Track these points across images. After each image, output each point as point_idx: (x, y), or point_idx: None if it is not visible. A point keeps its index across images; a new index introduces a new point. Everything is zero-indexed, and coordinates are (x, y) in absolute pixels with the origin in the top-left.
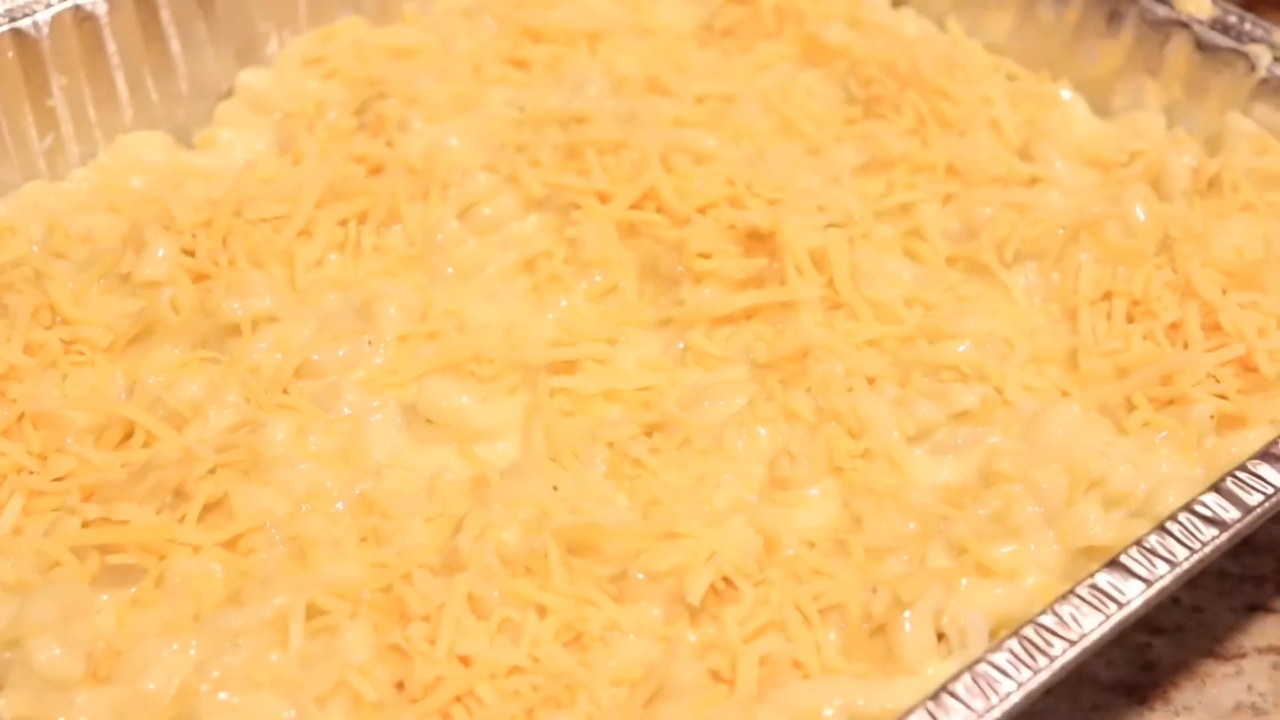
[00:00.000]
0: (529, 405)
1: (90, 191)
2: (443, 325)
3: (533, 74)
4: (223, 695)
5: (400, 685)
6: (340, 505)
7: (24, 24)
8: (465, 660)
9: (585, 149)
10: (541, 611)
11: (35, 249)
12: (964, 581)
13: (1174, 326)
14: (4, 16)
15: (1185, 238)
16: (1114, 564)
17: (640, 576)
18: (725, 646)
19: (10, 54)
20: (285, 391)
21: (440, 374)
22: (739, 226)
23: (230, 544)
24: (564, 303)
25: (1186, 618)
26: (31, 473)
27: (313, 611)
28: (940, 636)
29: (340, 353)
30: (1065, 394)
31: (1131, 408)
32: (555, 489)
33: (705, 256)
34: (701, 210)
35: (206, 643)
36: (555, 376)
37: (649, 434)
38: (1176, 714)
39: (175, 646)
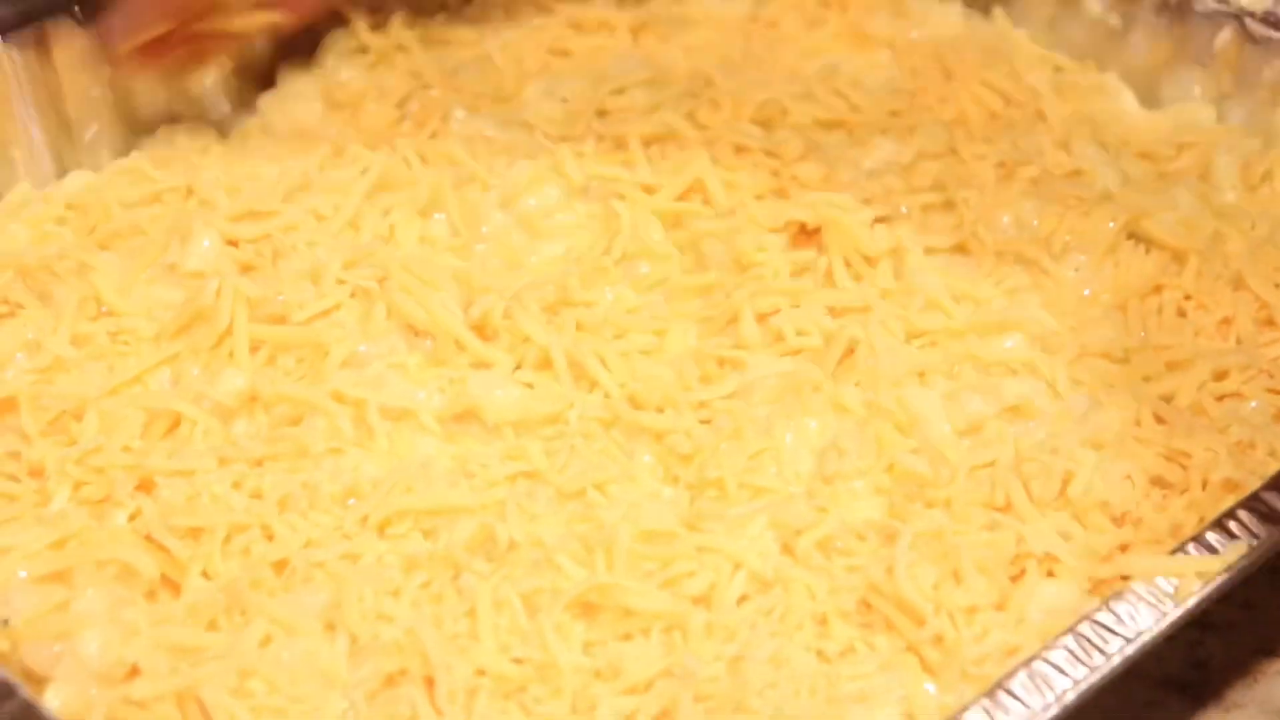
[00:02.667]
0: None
1: (133, 183)
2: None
3: (575, 63)
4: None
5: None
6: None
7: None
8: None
9: (629, 140)
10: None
11: (80, 241)
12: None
13: (1226, 321)
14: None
15: (1236, 232)
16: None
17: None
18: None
19: (56, 46)
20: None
21: (486, 366)
22: (785, 219)
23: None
24: (610, 295)
25: (1238, 614)
26: (78, 464)
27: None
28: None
29: (386, 343)
30: (1113, 388)
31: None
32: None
33: (753, 249)
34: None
35: None
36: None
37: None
38: (1227, 711)
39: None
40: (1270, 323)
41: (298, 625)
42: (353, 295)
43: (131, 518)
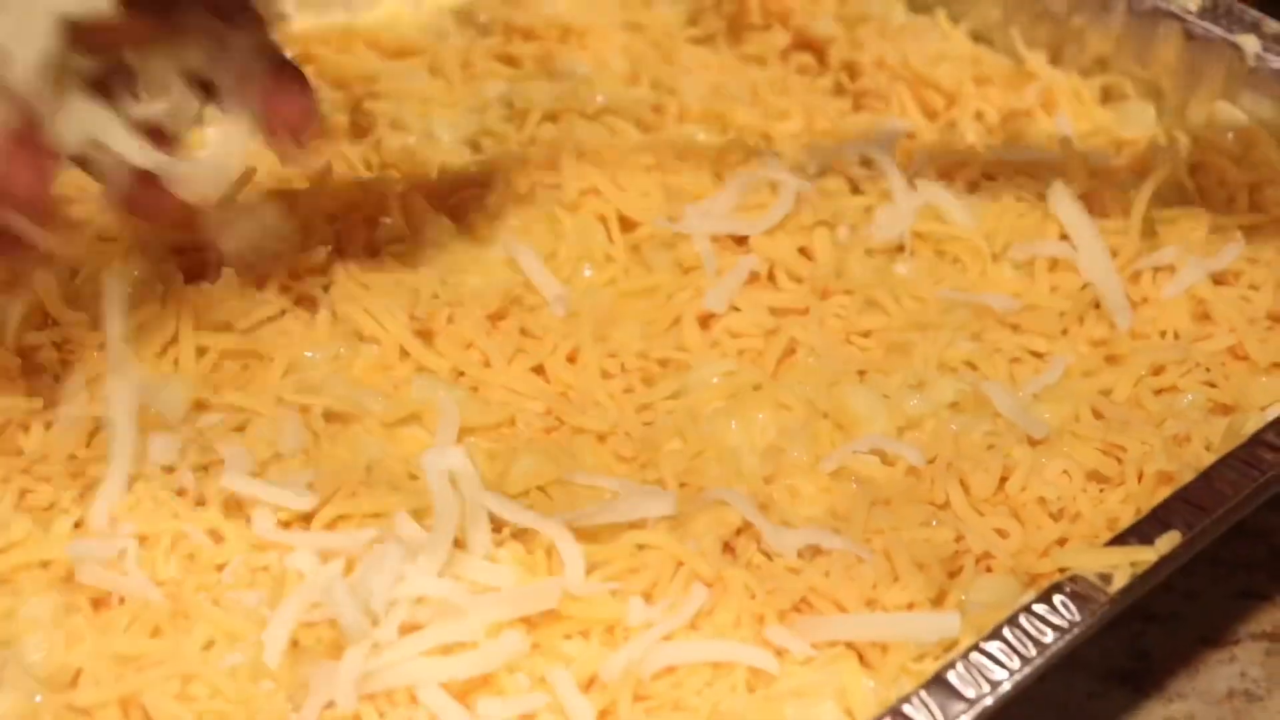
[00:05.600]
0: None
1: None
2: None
3: (523, 70)
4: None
5: None
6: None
7: None
8: None
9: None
10: None
11: None
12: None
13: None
14: None
15: (1171, 230)
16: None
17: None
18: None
19: None
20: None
21: (430, 371)
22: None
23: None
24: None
25: (1180, 604)
26: (24, 473)
27: None
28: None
29: (331, 349)
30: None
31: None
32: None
33: (694, 253)
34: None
35: None
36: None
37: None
38: (1170, 700)
39: None
40: (1207, 318)
41: (240, 629)
42: (297, 302)
43: (76, 525)
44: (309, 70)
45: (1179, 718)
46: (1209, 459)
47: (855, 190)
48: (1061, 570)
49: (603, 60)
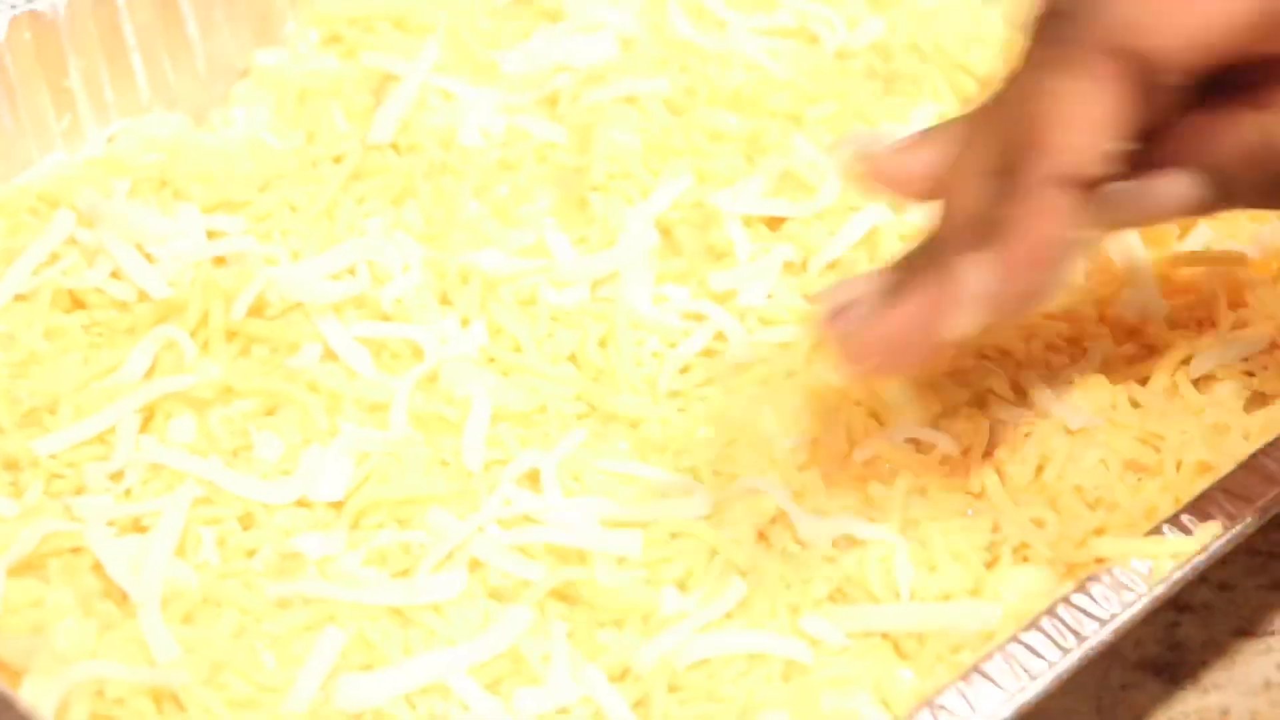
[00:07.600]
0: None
1: (106, 173)
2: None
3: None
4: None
5: None
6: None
7: (41, 5)
8: None
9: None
10: None
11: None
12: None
13: (1200, 304)
14: None
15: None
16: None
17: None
18: None
19: (27, 35)
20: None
21: (461, 357)
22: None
23: None
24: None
25: (1215, 596)
26: (52, 457)
27: None
28: None
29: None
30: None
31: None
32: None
33: (725, 236)
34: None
35: None
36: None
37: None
38: (1205, 692)
39: None
40: (1242, 304)
41: (269, 615)
42: None
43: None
44: (336, 50)
45: (1214, 709)
46: (1248, 449)
47: None
48: (1099, 561)
49: (630, 42)
